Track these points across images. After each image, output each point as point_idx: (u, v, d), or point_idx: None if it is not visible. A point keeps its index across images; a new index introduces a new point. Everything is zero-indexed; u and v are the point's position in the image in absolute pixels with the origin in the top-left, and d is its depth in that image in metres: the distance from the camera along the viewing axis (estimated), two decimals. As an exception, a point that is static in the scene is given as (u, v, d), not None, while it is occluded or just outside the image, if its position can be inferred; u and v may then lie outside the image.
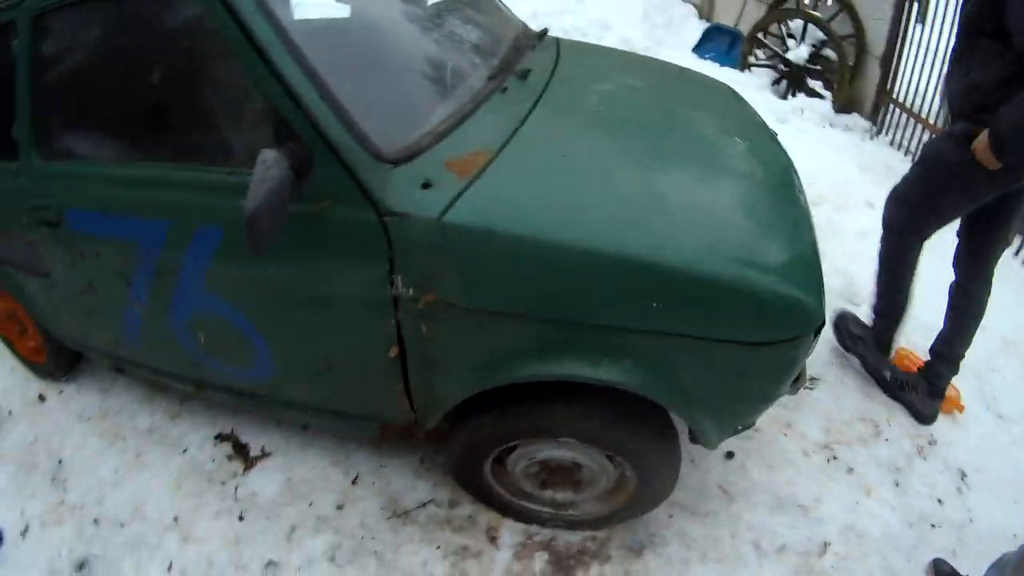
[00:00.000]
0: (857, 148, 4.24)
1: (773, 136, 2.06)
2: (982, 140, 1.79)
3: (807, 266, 1.48)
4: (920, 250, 2.23)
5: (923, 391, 2.31)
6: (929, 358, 2.34)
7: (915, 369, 2.38)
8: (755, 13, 5.05)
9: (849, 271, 2.94)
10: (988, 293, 2.20)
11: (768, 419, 2.28)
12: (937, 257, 2.35)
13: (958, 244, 2.21)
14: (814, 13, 4.40)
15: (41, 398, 2.57)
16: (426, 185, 1.45)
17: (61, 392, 2.57)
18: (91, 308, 2.09)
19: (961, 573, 1.85)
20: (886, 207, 2.24)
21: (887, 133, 4.30)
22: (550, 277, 1.39)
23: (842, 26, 4.32)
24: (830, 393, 2.40)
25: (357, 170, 1.44)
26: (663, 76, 2.34)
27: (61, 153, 1.93)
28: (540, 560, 1.90)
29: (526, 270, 1.39)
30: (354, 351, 1.64)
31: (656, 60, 2.60)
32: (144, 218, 1.71)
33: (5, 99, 1.97)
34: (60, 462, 2.36)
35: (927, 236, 2.18)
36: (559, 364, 1.45)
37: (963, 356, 2.29)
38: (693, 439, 1.68)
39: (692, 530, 1.99)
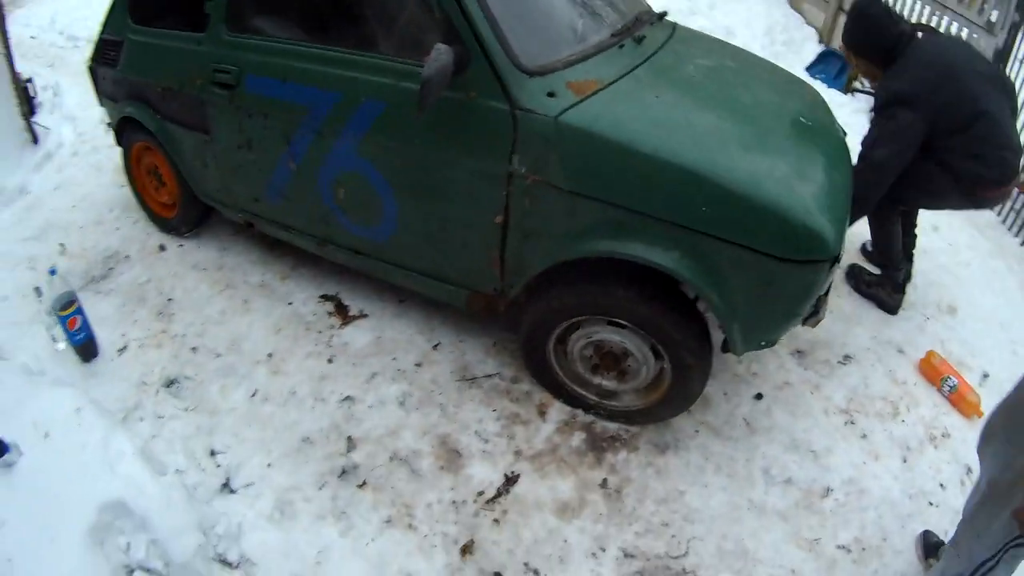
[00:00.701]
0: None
1: (843, 134, 2.77)
2: None
3: (835, 211, 2.16)
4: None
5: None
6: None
7: (942, 374, 3.02)
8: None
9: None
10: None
11: (799, 378, 2.95)
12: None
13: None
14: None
15: (161, 248, 3.43)
16: (550, 94, 2.21)
17: (181, 245, 3.43)
18: (242, 163, 2.92)
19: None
20: None
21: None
22: (630, 175, 2.11)
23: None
24: (860, 372, 3.03)
25: (502, 73, 2.20)
26: (757, 65, 3.07)
27: (248, 29, 2.78)
28: (578, 438, 2.62)
29: (613, 167, 2.12)
30: (467, 214, 2.40)
31: (755, 55, 3.34)
32: (319, 88, 2.53)
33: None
34: (169, 300, 3.20)
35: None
36: (624, 245, 2.16)
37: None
38: (724, 349, 2.38)
39: (713, 446, 2.66)
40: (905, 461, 2.73)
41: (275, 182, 2.85)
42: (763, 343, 2.35)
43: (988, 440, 1.91)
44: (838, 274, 3.50)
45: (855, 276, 3.43)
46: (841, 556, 2.36)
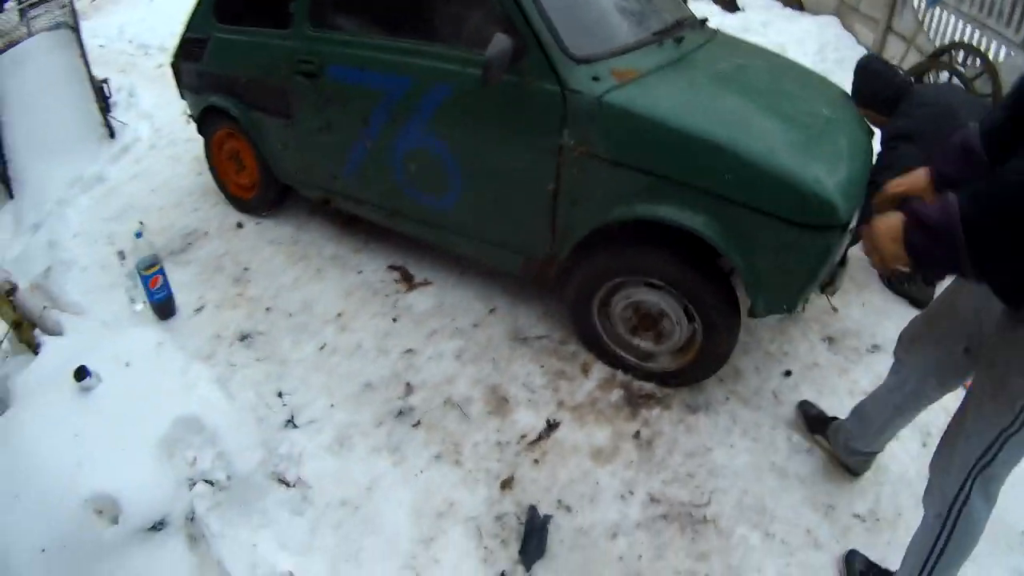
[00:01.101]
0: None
1: (868, 130, 3.31)
2: None
3: (848, 185, 2.65)
4: None
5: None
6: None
7: None
8: (914, 60, 6.62)
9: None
10: None
11: (828, 361, 3.41)
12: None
13: None
14: (961, 69, 5.75)
15: (239, 225, 4.09)
16: (595, 78, 2.78)
17: (259, 223, 4.10)
18: (321, 144, 3.58)
19: None
20: None
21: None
22: (662, 146, 2.65)
23: (984, 86, 5.58)
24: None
25: (554, 60, 2.79)
26: (789, 67, 3.65)
27: (329, 25, 3.45)
28: (616, 394, 3.13)
29: (648, 139, 2.66)
30: (523, 183, 2.98)
31: (791, 60, 3.91)
32: (393, 74, 3.17)
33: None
34: (246, 269, 3.84)
35: None
36: (657, 208, 2.70)
37: None
38: (751, 313, 2.89)
39: (741, 413, 3.12)
40: (924, 445, 3.08)
41: (352, 160, 3.50)
42: (784, 307, 2.81)
43: (913, 345, 2.40)
44: (872, 272, 3.99)
45: (887, 275, 3.93)
46: (856, 524, 2.67)
